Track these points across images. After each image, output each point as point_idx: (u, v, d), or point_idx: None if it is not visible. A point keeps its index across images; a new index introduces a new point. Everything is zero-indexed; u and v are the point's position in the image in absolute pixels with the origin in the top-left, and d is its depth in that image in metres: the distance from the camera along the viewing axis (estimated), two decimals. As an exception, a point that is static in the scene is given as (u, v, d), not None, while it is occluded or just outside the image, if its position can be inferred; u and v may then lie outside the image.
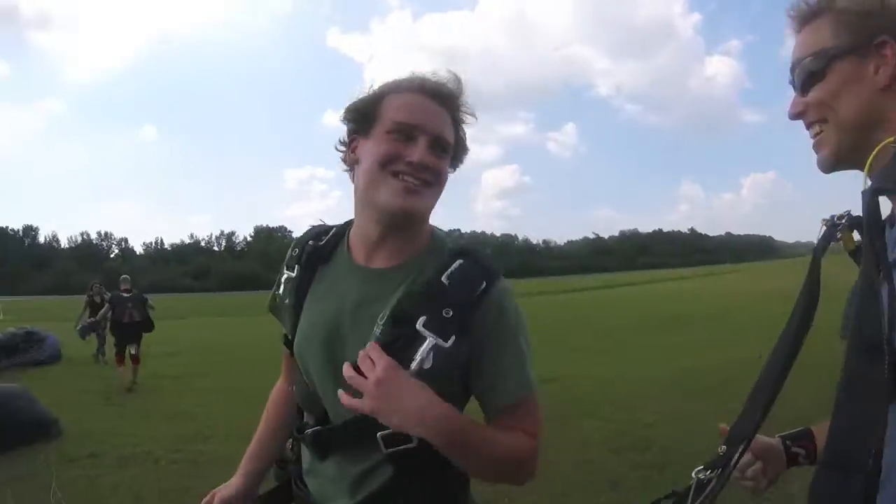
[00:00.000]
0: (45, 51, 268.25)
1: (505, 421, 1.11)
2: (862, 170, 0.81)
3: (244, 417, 6.96)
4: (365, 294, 1.13)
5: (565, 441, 5.20)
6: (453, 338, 1.03)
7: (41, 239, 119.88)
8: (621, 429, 5.56)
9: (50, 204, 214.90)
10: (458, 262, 1.10)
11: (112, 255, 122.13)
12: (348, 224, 1.24)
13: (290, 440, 1.34)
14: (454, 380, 1.10)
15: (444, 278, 1.07)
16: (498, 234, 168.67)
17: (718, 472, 0.90)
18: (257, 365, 10.97)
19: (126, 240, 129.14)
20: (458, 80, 1.16)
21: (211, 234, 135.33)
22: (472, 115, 1.20)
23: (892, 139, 0.79)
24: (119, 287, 9.80)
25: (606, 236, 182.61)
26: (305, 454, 1.23)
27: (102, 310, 10.13)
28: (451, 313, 1.04)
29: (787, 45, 0.94)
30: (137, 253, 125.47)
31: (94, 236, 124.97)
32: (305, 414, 1.23)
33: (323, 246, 1.22)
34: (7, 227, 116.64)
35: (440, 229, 1.24)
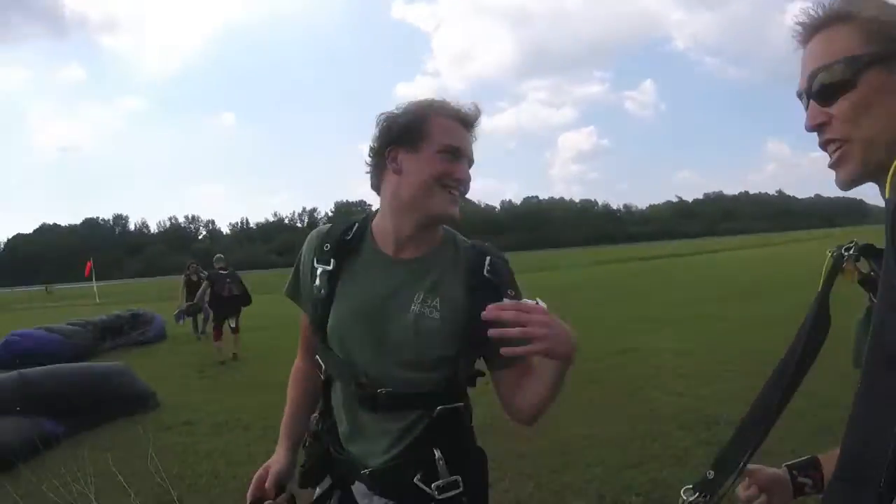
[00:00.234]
0: (117, 52, 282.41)
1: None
2: (877, 182, 0.80)
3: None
4: (399, 281, 1.37)
5: (634, 413, 5.26)
6: None
7: (131, 226, 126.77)
8: (692, 404, 5.48)
9: (138, 193, 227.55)
10: (489, 258, 1.39)
11: (200, 237, 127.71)
12: (366, 219, 1.47)
13: (317, 416, 1.52)
14: None
15: (485, 272, 1.37)
16: (577, 200, 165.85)
17: (706, 499, 0.92)
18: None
19: (213, 221, 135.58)
20: (479, 110, 1.40)
21: (293, 212, 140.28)
22: (476, 137, 1.43)
23: None
24: (214, 266, 10.36)
25: (690, 199, 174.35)
26: (345, 420, 1.41)
27: (201, 288, 10.78)
28: (512, 293, 1.31)
29: None
30: (224, 233, 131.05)
31: (181, 220, 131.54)
32: (339, 384, 1.42)
33: (351, 240, 1.42)
34: (98, 218, 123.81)
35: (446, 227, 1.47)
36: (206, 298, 10.68)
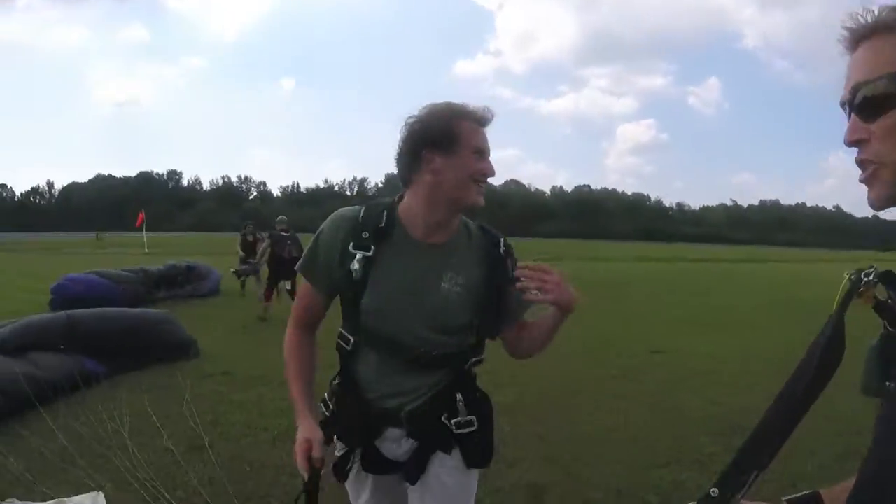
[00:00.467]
0: (182, 13, 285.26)
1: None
2: None
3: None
4: (431, 262, 1.63)
5: (663, 416, 5.21)
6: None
7: (184, 182, 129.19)
8: (721, 412, 5.37)
9: (193, 151, 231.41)
10: (501, 239, 1.72)
11: (251, 197, 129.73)
12: (392, 206, 1.66)
13: (337, 381, 1.75)
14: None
15: (501, 251, 1.69)
16: (629, 193, 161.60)
17: None
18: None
19: (264, 183, 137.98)
20: (492, 112, 1.63)
21: (344, 180, 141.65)
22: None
23: None
24: (276, 228, 10.37)
25: (745, 205, 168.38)
26: (377, 380, 1.66)
27: (262, 248, 10.91)
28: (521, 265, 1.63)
29: None
30: (274, 195, 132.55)
31: (234, 179, 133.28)
32: (373, 351, 1.65)
33: (385, 227, 1.61)
34: (152, 172, 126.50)
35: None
36: (262, 262, 10.90)
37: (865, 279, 0.82)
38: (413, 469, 1.67)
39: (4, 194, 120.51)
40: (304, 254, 1.70)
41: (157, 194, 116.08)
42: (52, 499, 3.02)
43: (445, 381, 1.67)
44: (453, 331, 1.65)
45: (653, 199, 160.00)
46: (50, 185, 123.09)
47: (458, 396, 1.67)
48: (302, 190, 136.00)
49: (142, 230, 33.67)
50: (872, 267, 0.83)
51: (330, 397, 1.75)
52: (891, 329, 0.80)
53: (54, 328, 5.81)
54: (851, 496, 0.68)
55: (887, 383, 0.77)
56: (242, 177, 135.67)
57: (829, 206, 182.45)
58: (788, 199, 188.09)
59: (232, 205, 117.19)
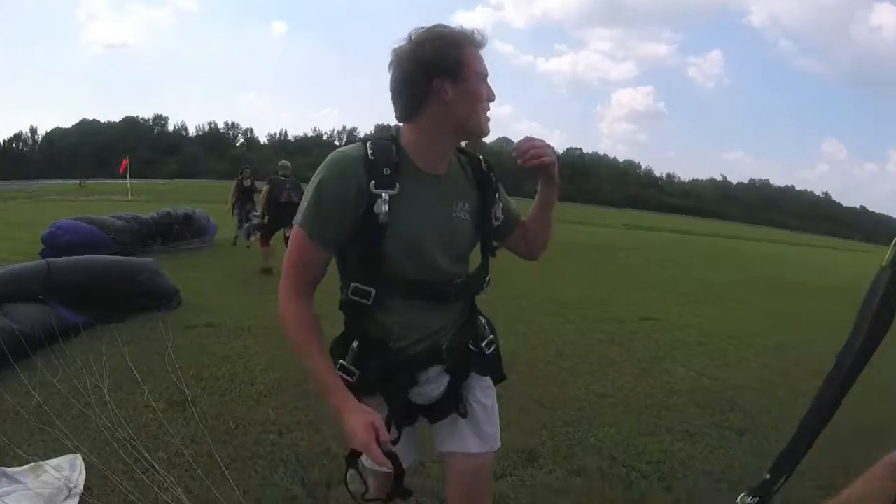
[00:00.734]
0: None
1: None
2: None
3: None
4: (443, 192, 1.60)
5: (652, 383, 5.20)
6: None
7: (170, 127, 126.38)
8: (709, 384, 5.42)
9: (180, 95, 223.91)
10: (481, 156, 1.72)
11: (237, 144, 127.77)
12: (393, 139, 1.57)
13: (356, 345, 1.62)
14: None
15: (485, 168, 1.69)
16: (620, 160, 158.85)
17: (759, 500, 0.92)
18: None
19: (251, 129, 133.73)
20: (486, 36, 1.57)
21: (333, 129, 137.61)
22: None
23: None
24: (278, 172, 9.72)
25: (734, 182, 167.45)
26: (401, 326, 1.60)
27: (262, 193, 10.02)
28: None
29: None
30: (262, 143, 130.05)
31: (220, 125, 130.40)
32: (399, 295, 1.57)
33: (400, 162, 1.52)
34: (138, 117, 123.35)
35: None
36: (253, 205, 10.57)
37: None
38: (448, 404, 1.69)
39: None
40: (302, 206, 1.52)
41: (142, 141, 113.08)
42: (28, 463, 2.92)
43: (466, 307, 1.72)
44: (466, 257, 1.69)
45: (643, 167, 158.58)
46: (33, 130, 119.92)
47: (482, 320, 1.77)
48: (290, 138, 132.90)
49: (126, 177, 33.03)
50: None
51: (353, 362, 1.60)
52: None
53: (35, 277, 5.55)
54: None
55: None
56: (229, 123, 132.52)
57: (819, 192, 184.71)
58: (778, 181, 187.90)
59: (218, 152, 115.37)
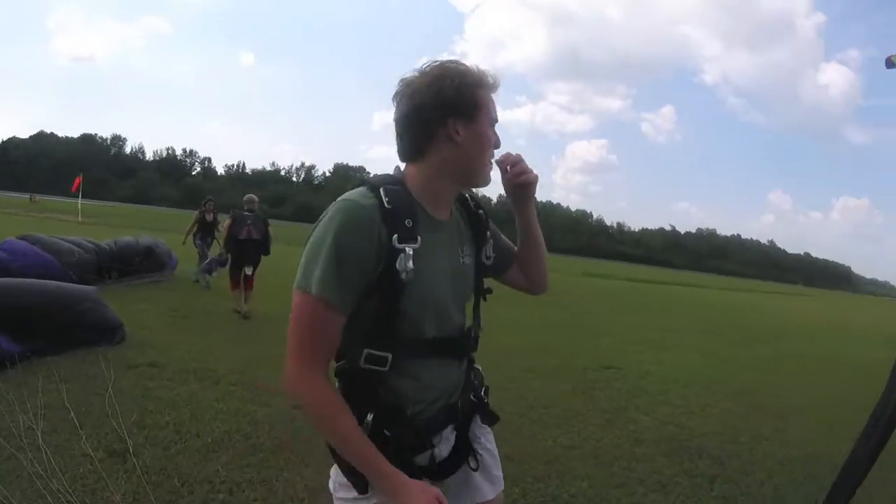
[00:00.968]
0: None
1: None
2: None
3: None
4: (452, 239, 1.50)
5: (618, 433, 5.13)
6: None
7: (127, 149, 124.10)
8: (675, 432, 5.41)
9: (141, 117, 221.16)
10: (466, 195, 1.59)
11: (193, 173, 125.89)
12: (401, 183, 1.41)
13: (370, 419, 1.39)
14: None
15: (473, 207, 1.59)
16: (573, 209, 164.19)
17: None
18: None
19: (209, 159, 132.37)
20: (499, 80, 1.47)
21: (292, 165, 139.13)
22: None
23: None
24: (243, 207, 9.12)
25: (683, 231, 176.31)
26: (430, 385, 1.45)
27: (225, 227, 9.40)
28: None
29: None
30: (218, 173, 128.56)
31: (178, 152, 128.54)
32: (418, 355, 1.41)
33: (415, 210, 1.37)
34: (96, 135, 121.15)
35: None
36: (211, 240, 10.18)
37: None
38: (457, 459, 1.54)
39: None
40: (315, 268, 1.29)
41: (98, 161, 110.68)
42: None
43: (468, 358, 1.61)
44: (465, 305, 1.56)
45: (595, 216, 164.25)
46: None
47: (479, 367, 1.66)
48: (247, 170, 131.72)
49: (77, 196, 31.93)
50: None
51: (372, 439, 1.37)
52: None
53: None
54: None
55: None
56: (187, 150, 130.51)
57: (764, 241, 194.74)
58: (725, 231, 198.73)
59: (173, 179, 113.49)
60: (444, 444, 1.51)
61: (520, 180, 1.56)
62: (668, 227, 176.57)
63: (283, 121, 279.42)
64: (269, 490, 3.37)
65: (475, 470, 1.57)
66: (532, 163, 1.59)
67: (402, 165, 1.47)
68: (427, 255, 1.35)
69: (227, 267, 9.33)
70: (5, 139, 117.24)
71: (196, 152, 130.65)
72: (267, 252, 9.00)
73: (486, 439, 1.65)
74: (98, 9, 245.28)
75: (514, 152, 1.57)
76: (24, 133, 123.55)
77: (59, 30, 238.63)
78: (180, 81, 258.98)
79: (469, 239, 1.56)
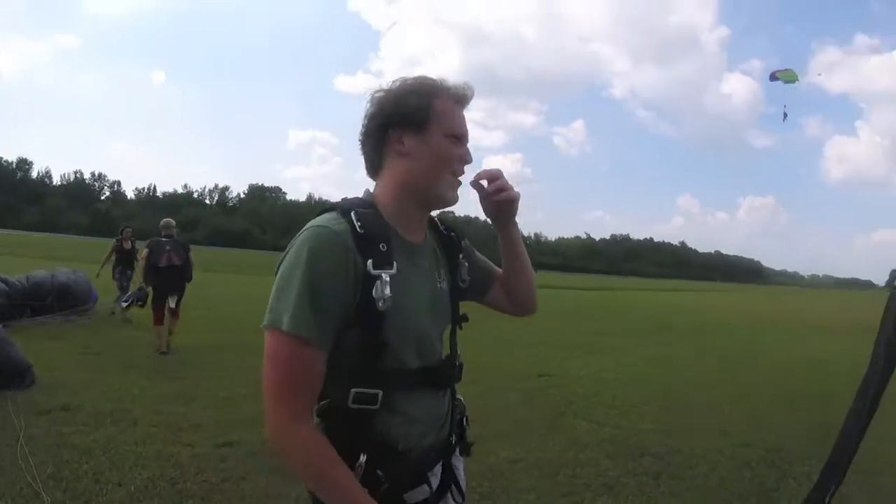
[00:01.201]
0: None
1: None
2: None
3: (226, 379, 6.66)
4: (429, 263, 1.42)
5: (560, 441, 5.15)
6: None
7: (34, 174, 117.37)
8: (615, 434, 5.49)
9: (48, 138, 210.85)
10: (435, 218, 1.52)
11: (102, 198, 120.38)
12: (371, 205, 1.33)
13: (363, 461, 1.28)
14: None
15: (464, 244, 1.55)
16: (490, 222, 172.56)
17: None
18: (241, 323, 10.84)
19: (119, 182, 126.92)
20: (473, 89, 1.41)
21: (205, 187, 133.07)
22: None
23: None
24: (160, 233, 8.42)
25: (598, 238, 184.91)
26: (419, 419, 1.35)
27: (142, 257, 8.73)
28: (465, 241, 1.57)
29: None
30: (128, 197, 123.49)
31: (87, 176, 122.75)
32: (402, 389, 1.31)
33: (388, 233, 1.29)
34: (1, 159, 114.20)
35: None
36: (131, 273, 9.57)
37: None
38: (441, 493, 1.42)
39: None
40: (285, 304, 1.18)
41: (4, 184, 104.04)
42: None
43: (451, 388, 1.51)
44: (445, 332, 1.48)
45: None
46: None
47: (461, 397, 1.55)
48: (158, 194, 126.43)
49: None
50: None
51: (365, 482, 1.25)
52: None
53: None
54: None
55: None
56: (96, 174, 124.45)
57: (675, 242, 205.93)
58: (638, 235, 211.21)
59: (82, 204, 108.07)
60: (434, 480, 1.40)
61: (500, 198, 1.48)
62: (583, 235, 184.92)
63: (195, 141, 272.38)
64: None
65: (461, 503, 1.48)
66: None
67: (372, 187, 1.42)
68: (404, 281, 1.27)
69: (149, 300, 8.59)
70: None
71: (105, 175, 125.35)
72: (189, 278, 8.47)
73: (461, 470, 1.54)
74: (1, 24, 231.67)
75: (493, 170, 1.49)
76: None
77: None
78: (88, 99, 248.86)
79: (444, 263, 1.49)
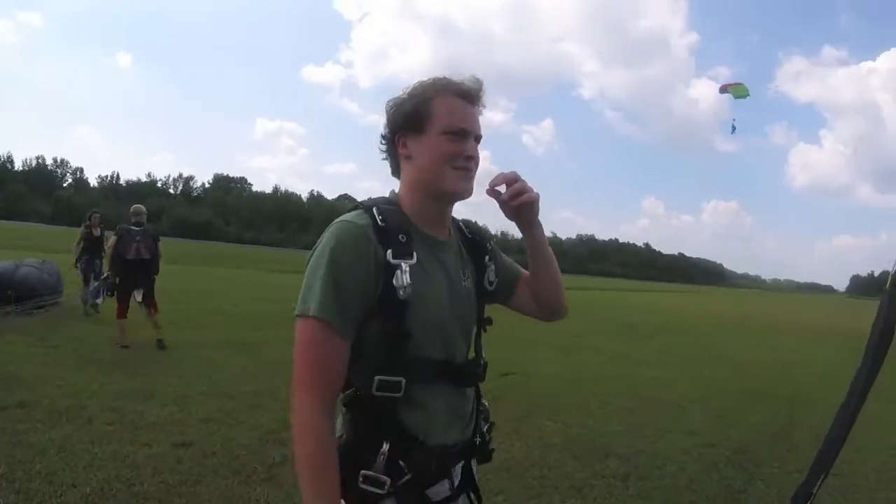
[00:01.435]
0: None
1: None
2: None
3: (186, 375, 6.50)
4: (452, 260, 1.47)
5: (527, 442, 5.14)
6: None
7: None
8: (581, 434, 5.51)
9: (9, 123, 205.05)
10: (460, 222, 1.59)
11: (64, 185, 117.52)
12: (395, 203, 1.42)
13: (386, 449, 1.33)
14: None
15: (489, 246, 1.60)
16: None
17: None
18: (208, 317, 10.67)
19: (81, 170, 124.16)
20: (481, 82, 1.44)
21: (169, 176, 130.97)
22: (485, 105, 1.47)
23: None
24: (130, 220, 8.07)
25: (563, 238, 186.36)
26: (444, 413, 1.39)
27: (108, 246, 8.34)
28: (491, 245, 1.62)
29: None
30: (91, 185, 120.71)
31: (49, 162, 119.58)
32: (428, 383, 1.36)
33: (409, 227, 1.37)
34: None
35: None
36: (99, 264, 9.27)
37: None
38: (458, 495, 1.43)
39: None
40: (312, 291, 1.27)
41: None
42: None
43: (476, 389, 1.54)
44: (470, 332, 1.51)
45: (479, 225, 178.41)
46: None
47: (486, 402, 1.57)
48: (122, 182, 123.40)
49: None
50: None
51: (384, 469, 1.31)
52: None
53: None
54: None
55: None
56: (59, 160, 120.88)
57: (640, 244, 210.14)
58: (604, 235, 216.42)
59: (44, 191, 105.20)
60: (456, 479, 1.44)
61: (517, 202, 1.47)
62: (549, 234, 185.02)
63: (160, 127, 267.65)
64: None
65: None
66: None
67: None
68: (425, 272, 1.36)
69: (115, 292, 8.17)
70: None
71: (67, 162, 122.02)
72: (157, 271, 8.14)
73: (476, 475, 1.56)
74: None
75: (509, 174, 1.48)
76: None
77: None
78: (54, 84, 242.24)
79: (470, 263, 1.54)
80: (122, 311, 7.82)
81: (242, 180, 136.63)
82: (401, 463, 1.32)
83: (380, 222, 1.33)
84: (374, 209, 1.35)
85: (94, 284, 9.82)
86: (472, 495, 1.49)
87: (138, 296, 7.85)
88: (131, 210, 8.23)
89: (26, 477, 3.59)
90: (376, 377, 1.30)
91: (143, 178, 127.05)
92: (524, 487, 4.11)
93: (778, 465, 4.99)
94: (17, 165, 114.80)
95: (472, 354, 1.51)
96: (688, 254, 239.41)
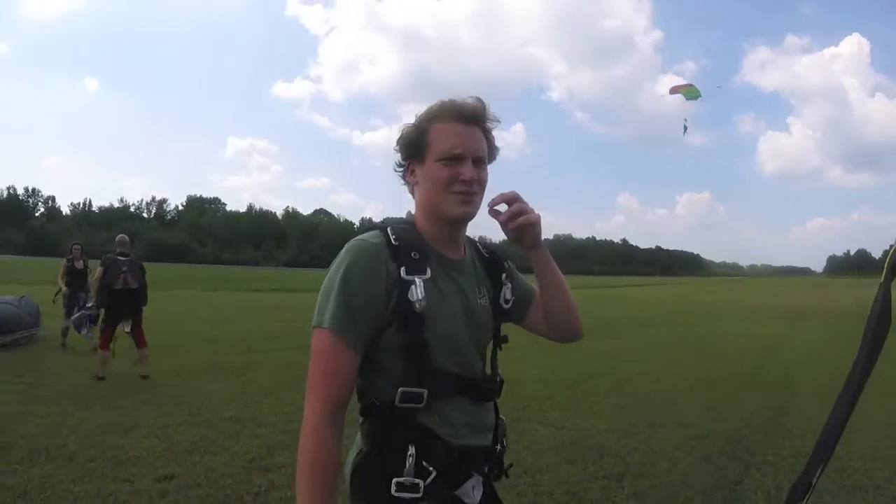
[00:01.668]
0: None
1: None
2: None
3: (166, 405, 6.36)
4: (467, 279, 1.50)
5: (517, 447, 4.96)
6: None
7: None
8: (573, 436, 5.46)
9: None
10: (476, 242, 1.65)
11: (37, 214, 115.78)
12: (410, 223, 1.49)
13: (413, 452, 1.36)
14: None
15: (506, 265, 1.63)
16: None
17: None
18: (186, 342, 10.47)
19: (53, 198, 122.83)
20: (482, 101, 1.47)
21: (142, 200, 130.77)
22: (497, 119, 1.51)
23: None
24: (115, 250, 7.87)
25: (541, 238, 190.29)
26: (467, 424, 1.42)
27: (95, 277, 8.08)
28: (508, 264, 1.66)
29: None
30: (63, 213, 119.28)
31: (20, 191, 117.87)
32: (446, 397, 1.39)
33: (423, 246, 1.43)
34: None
35: None
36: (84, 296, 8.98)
37: None
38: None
39: None
40: (327, 304, 1.34)
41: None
42: None
43: (494, 404, 1.58)
44: (485, 350, 1.55)
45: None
46: None
47: (503, 418, 1.59)
48: (94, 208, 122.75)
49: None
50: None
51: (414, 474, 1.34)
52: None
53: None
54: None
55: None
56: (30, 189, 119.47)
57: (617, 240, 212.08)
58: (581, 234, 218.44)
59: (16, 222, 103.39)
60: (477, 492, 1.47)
61: (515, 224, 1.48)
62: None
63: (131, 151, 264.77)
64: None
65: None
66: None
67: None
68: (438, 289, 1.40)
69: (100, 322, 8.03)
70: None
71: (39, 191, 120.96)
72: (145, 302, 7.92)
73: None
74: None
75: (507, 193, 1.49)
76: None
77: None
78: (21, 110, 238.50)
79: (486, 281, 1.57)
80: (106, 342, 7.62)
81: (216, 200, 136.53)
82: (424, 463, 1.35)
83: (393, 241, 1.39)
84: (389, 229, 1.42)
85: (76, 314, 9.55)
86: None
87: (127, 326, 7.68)
88: (117, 240, 8.06)
89: (3, 524, 3.45)
90: (400, 389, 1.34)
91: (116, 204, 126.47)
92: (517, 496, 4.02)
93: (772, 452, 4.99)
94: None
95: (488, 370, 1.55)
96: (665, 246, 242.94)
